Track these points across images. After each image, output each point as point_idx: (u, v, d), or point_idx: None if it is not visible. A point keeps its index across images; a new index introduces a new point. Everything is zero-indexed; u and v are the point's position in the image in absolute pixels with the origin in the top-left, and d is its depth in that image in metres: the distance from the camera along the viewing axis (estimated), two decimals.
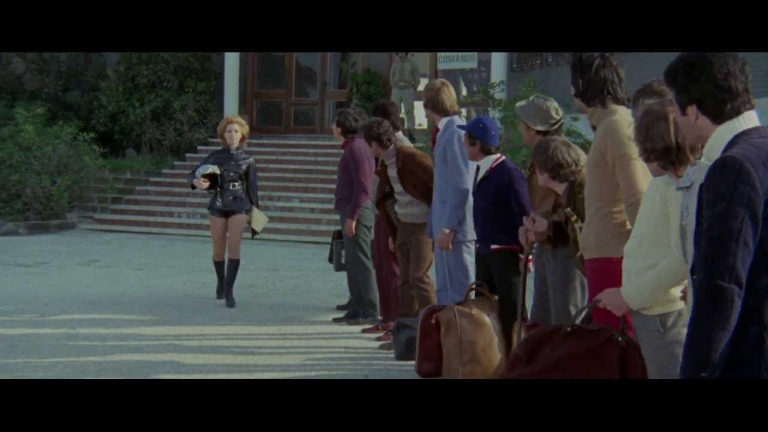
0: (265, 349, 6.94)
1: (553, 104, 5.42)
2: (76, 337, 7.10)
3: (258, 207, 8.62)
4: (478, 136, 5.85)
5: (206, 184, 8.34)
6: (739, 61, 2.71)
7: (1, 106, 17.65)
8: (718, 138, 2.69)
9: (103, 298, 8.83)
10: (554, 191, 5.06)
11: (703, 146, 2.86)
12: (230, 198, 8.45)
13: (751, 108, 2.71)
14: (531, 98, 5.51)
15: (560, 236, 4.97)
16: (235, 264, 8.56)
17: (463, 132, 6.11)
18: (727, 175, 2.54)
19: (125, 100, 18.02)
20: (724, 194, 2.53)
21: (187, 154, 17.15)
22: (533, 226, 5.01)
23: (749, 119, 2.69)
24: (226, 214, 8.46)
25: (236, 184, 8.45)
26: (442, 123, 6.46)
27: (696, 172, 3.01)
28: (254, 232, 8.63)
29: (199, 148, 17.01)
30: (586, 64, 4.35)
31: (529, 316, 5.46)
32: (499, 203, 5.76)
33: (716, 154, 2.66)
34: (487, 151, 5.87)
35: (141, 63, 18.13)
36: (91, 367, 6.20)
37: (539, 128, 5.34)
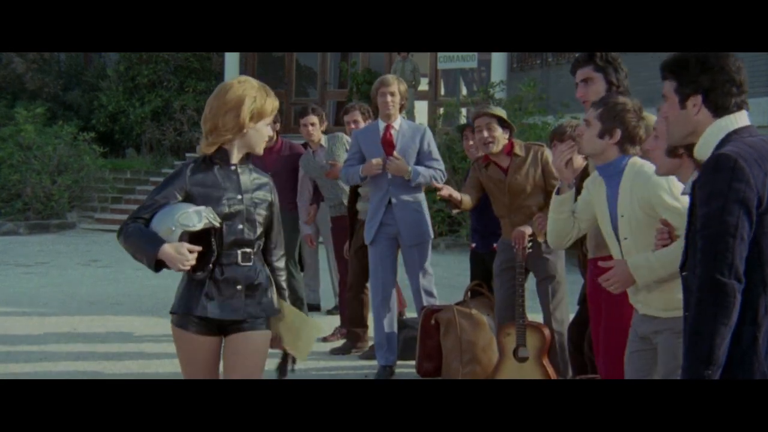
0: None
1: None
2: (76, 337, 7.10)
3: (301, 301, 3.54)
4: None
5: (192, 259, 3.50)
6: (741, 63, 2.75)
7: (1, 106, 17.67)
8: (711, 135, 2.70)
9: (103, 298, 8.83)
10: (544, 188, 5.16)
11: (689, 147, 2.86)
12: (236, 289, 3.54)
13: (747, 108, 2.74)
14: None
15: None
16: None
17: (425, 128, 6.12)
18: (721, 172, 2.55)
19: (125, 100, 18.04)
20: (719, 191, 2.54)
21: (187, 154, 17.14)
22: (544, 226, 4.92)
23: (743, 118, 2.72)
24: (222, 327, 3.58)
25: (249, 251, 3.54)
26: (398, 121, 6.08)
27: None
28: (288, 363, 3.92)
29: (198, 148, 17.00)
30: (617, 62, 4.35)
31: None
32: None
33: (709, 151, 2.68)
34: None
35: (141, 63, 18.14)
36: (91, 367, 6.20)
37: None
